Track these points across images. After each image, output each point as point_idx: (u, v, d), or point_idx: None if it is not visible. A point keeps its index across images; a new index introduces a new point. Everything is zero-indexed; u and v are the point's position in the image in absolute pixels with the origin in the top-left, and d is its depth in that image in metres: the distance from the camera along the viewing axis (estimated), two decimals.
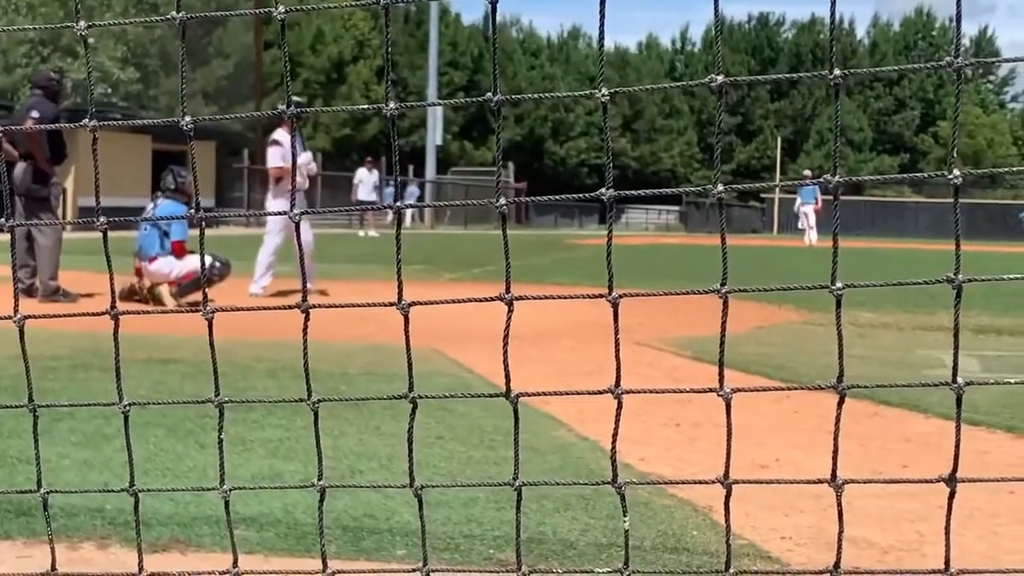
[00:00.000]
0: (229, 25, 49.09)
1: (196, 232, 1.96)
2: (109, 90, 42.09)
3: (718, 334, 1.78)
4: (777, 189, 57.82)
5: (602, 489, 3.65)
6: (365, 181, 33.97)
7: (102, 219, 1.88)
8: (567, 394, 1.84)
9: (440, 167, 56.23)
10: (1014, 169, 1.96)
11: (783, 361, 7.05)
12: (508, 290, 1.76)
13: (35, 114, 10.34)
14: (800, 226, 39.40)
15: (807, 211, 36.53)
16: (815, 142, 71.23)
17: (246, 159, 40.42)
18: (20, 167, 10.35)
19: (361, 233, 33.17)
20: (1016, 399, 5.63)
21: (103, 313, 1.96)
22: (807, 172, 51.51)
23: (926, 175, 1.81)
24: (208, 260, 10.06)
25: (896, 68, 1.80)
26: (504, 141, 68.67)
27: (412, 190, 50.91)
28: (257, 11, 1.56)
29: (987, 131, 71.20)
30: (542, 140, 69.00)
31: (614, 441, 1.87)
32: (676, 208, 66.19)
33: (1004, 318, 10.07)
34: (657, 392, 1.93)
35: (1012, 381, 1.88)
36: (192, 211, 1.93)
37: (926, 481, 1.81)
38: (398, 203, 1.80)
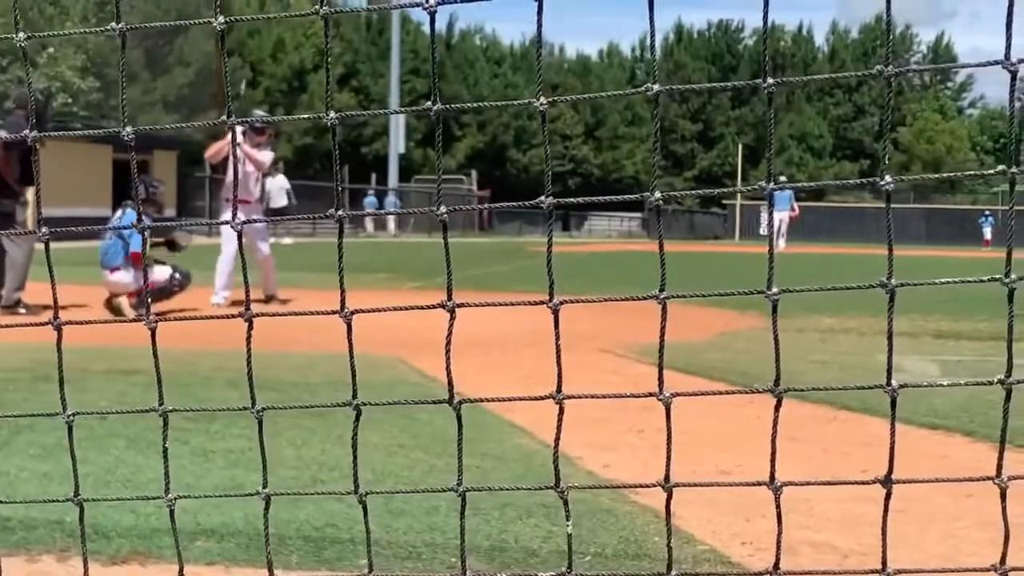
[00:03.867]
0: (190, 33, 48.83)
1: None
2: (70, 100, 41.78)
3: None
4: (738, 195, 58.02)
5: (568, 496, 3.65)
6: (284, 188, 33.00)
7: (44, 230, 1.87)
8: (508, 400, 1.88)
9: (403, 175, 56.21)
10: (956, 175, 1.96)
11: (746, 367, 7.06)
12: (450, 297, 1.83)
13: (2, 133, 10.31)
14: (763, 232, 39.69)
15: (782, 217, 36.79)
16: (776, 148, 71.61)
17: (208, 168, 40.21)
18: None
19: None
20: (975, 404, 5.68)
21: (45, 324, 1.95)
22: (783, 178, 51.66)
23: (861, 180, 1.85)
24: (168, 272, 10.12)
25: (827, 76, 1.88)
26: (467, 148, 68.52)
27: (391, 199, 50.82)
28: (206, 20, 1.52)
29: (946, 137, 71.90)
30: (505, 148, 69.07)
31: (556, 445, 1.91)
32: (638, 215, 66.40)
33: (963, 323, 10.16)
34: (597, 397, 1.98)
35: (944, 383, 1.90)
36: (140, 222, 1.93)
37: (862, 483, 1.85)
38: (340, 212, 1.83)
